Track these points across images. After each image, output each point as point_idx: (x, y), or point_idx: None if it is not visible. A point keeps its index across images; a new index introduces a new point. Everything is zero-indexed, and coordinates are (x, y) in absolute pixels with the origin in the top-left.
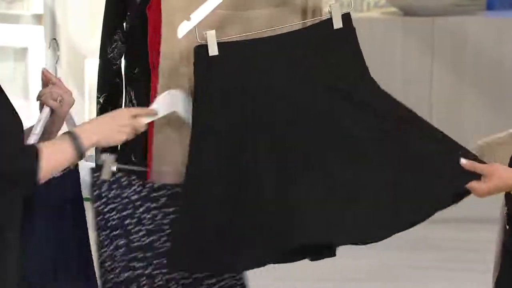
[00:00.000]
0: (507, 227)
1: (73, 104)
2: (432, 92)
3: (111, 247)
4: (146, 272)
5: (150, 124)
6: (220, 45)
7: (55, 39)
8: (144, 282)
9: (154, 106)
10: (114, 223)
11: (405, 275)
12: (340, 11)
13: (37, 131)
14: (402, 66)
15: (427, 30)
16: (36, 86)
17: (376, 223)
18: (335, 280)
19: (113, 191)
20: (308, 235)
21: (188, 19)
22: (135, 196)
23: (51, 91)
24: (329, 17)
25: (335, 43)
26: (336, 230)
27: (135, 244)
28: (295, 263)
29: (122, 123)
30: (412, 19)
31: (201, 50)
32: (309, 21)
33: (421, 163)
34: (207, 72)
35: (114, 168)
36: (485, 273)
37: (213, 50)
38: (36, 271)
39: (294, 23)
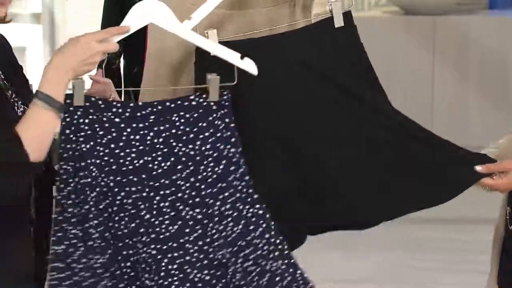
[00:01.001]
0: (511, 227)
1: None
2: (434, 91)
3: (81, 178)
4: (144, 194)
5: None
6: (222, 44)
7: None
8: (140, 203)
9: (126, 22)
10: (84, 151)
11: (407, 276)
12: (341, 9)
13: None
14: (403, 66)
15: (429, 29)
16: (34, 85)
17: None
18: (337, 281)
19: (89, 117)
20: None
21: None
22: (117, 119)
23: (104, 88)
24: (330, 15)
25: (336, 42)
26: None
27: (126, 168)
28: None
29: (90, 53)
30: (413, 18)
31: (203, 50)
32: (310, 20)
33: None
34: (210, 72)
35: (86, 91)
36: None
37: None
38: None
39: (293, 22)
